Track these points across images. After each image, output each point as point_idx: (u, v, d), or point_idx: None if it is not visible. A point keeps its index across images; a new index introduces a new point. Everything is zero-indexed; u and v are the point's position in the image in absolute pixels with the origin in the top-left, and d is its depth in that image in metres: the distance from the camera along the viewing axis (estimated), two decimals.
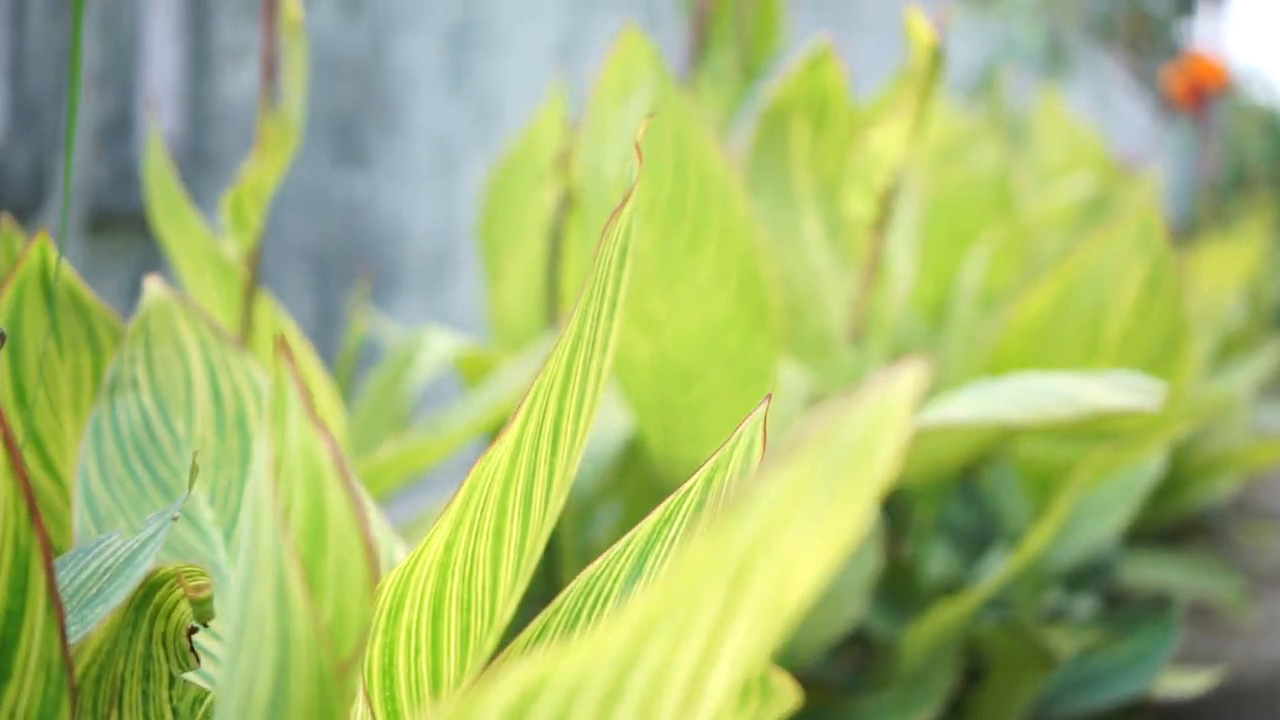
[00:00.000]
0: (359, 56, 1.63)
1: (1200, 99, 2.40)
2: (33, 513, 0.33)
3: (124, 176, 1.27)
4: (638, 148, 0.42)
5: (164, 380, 0.55)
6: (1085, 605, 1.21)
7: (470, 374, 0.86)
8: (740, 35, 1.01)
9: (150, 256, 1.23)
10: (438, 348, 0.83)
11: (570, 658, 0.26)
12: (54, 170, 1.18)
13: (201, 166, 1.42)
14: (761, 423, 0.45)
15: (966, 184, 1.26)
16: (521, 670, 0.25)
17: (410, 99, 1.73)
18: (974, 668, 1.13)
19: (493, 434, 0.78)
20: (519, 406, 0.42)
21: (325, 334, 1.58)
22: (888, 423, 0.26)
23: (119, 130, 1.28)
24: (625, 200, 0.44)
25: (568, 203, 0.80)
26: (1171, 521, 1.69)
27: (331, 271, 1.63)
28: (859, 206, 0.81)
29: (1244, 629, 1.79)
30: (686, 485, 0.45)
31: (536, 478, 0.45)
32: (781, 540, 0.26)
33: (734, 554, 0.26)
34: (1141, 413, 0.96)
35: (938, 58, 0.78)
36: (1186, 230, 2.87)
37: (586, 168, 0.80)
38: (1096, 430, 0.98)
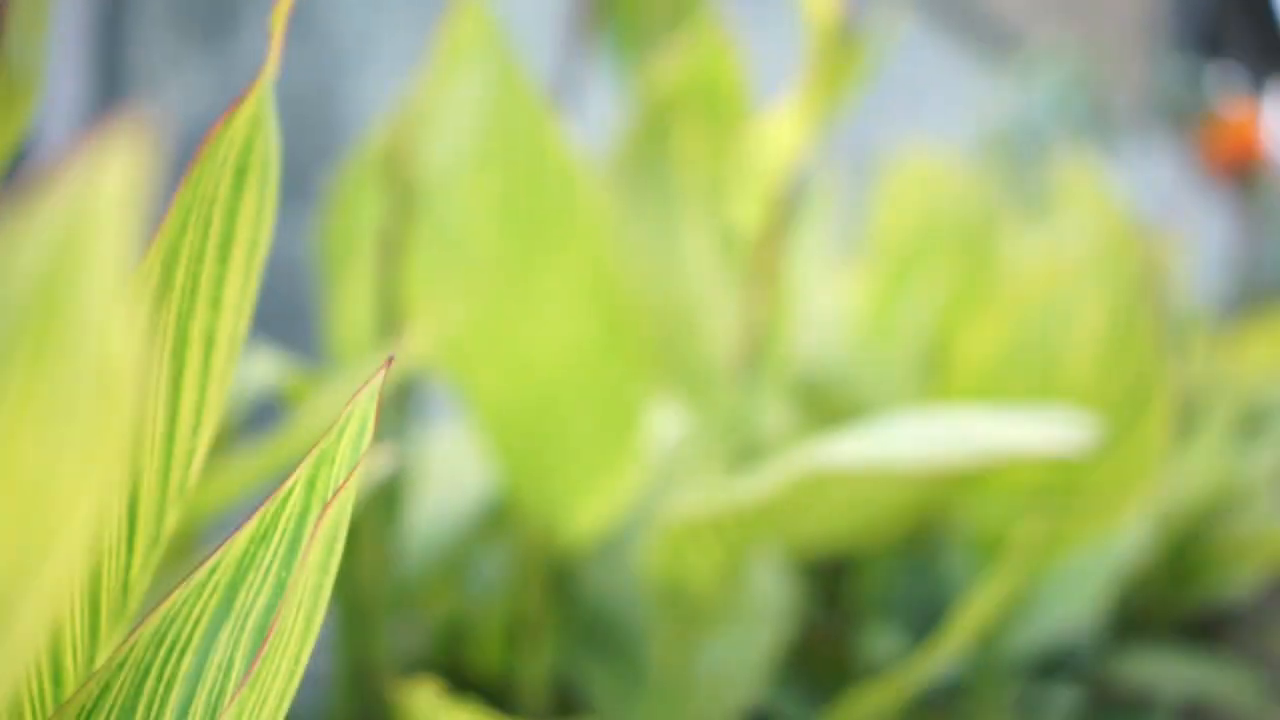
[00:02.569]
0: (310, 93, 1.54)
1: (1234, 167, 2.26)
2: None
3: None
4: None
5: None
6: (1061, 701, 1.06)
7: (297, 400, 0.75)
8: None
9: None
10: (257, 370, 0.72)
11: None
12: None
13: None
14: (375, 398, 0.32)
15: (933, 223, 1.13)
16: None
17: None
18: None
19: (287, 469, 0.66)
20: None
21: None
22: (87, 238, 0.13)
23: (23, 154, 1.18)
24: (249, 93, 0.32)
25: (403, 203, 0.69)
26: (1187, 614, 1.53)
27: (270, 324, 1.53)
28: (746, 212, 0.69)
29: None
30: (286, 486, 0.32)
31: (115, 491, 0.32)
32: None
33: None
34: (1089, 462, 0.82)
35: (839, 40, 0.66)
36: (1231, 309, 2.72)
37: (420, 158, 0.68)
38: (1056, 491, 0.84)
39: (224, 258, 0.34)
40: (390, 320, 0.69)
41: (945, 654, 0.77)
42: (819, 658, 0.92)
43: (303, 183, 1.55)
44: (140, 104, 1.32)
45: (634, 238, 0.72)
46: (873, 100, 3.34)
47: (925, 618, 1.03)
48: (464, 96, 0.65)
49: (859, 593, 0.92)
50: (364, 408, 0.32)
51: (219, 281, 0.34)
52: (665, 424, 0.78)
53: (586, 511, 0.70)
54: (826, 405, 1.18)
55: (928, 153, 1.45)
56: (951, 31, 3.79)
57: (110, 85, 1.22)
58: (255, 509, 0.33)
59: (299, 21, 1.51)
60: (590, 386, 0.68)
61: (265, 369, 0.72)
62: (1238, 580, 1.50)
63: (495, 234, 0.66)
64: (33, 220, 0.15)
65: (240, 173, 0.34)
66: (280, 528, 0.32)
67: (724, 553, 0.65)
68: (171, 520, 0.36)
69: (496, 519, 0.80)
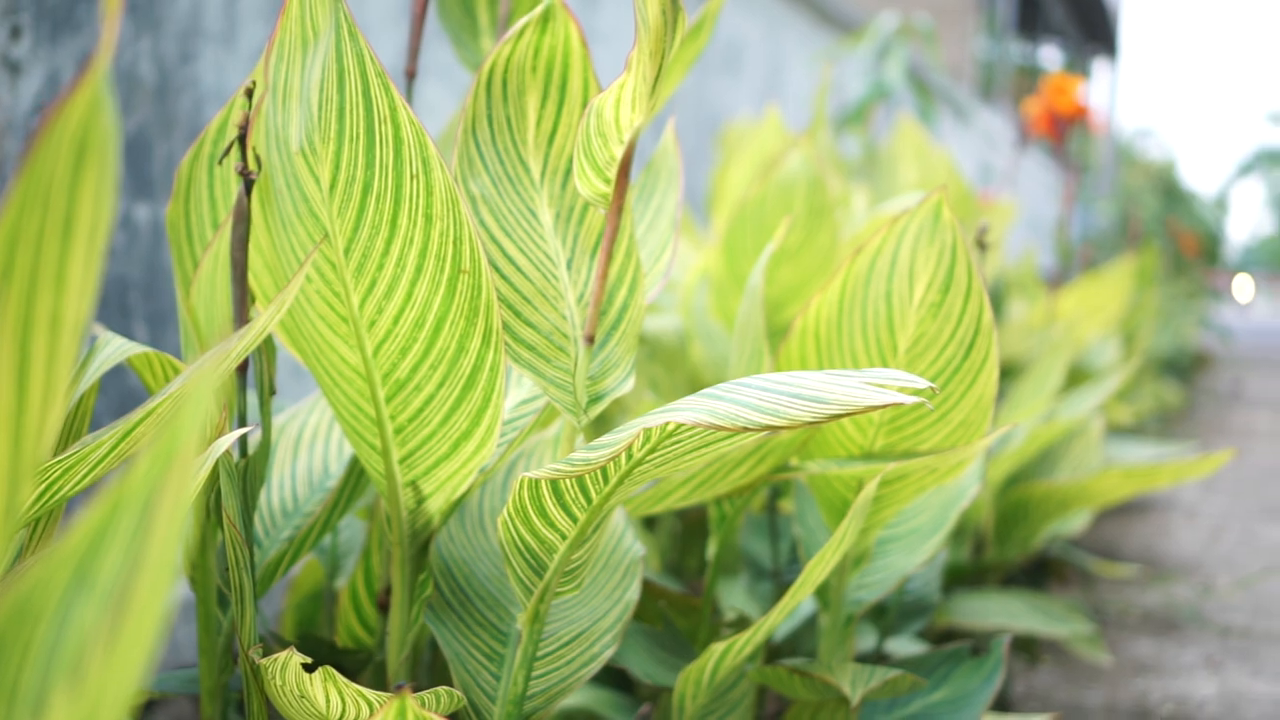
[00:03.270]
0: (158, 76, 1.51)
1: (1057, 124, 2.35)
2: None
3: None
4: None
5: None
6: (905, 646, 1.11)
7: (154, 383, 0.75)
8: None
9: None
10: (107, 353, 0.71)
11: None
12: None
13: None
14: (217, 376, 0.34)
15: (775, 192, 1.16)
16: None
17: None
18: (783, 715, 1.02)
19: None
20: None
21: (124, 371, 1.45)
22: None
23: None
24: (92, 62, 0.33)
25: (252, 180, 0.69)
26: (1022, 559, 1.61)
27: (125, 308, 1.50)
28: (589, 184, 0.70)
29: (1107, 674, 1.71)
30: (134, 463, 0.33)
31: None
32: None
33: None
34: (920, 417, 0.86)
35: (670, 8, 0.68)
36: (1059, 270, 2.83)
37: (269, 137, 0.69)
38: (894, 449, 0.88)
39: (66, 238, 0.35)
40: (243, 298, 0.70)
41: (795, 606, 0.81)
42: (676, 612, 0.95)
43: (156, 165, 1.52)
44: None
45: (482, 210, 0.73)
46: (736, 78, 3.38)
47: (786, 572, 1.07)
48: (310, 75, 0.65)
49: (715, 550, 0.95)
50: (206, 386, 0.33)
51: (62, 262, 0.35)
52: (519, 390, 0.80)
53: (444, 479, 0.72)
54: (674, 364, 1.21)
55: (771, 122, 1.49)
56: (807, 15, 3.86)
57: None
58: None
59: (151, 11, 1.48)
60: (444, 356, 0.69)
61: (112, 350, 0.72)
62: (1066, 525, 1.57)
63: (346, 208, 0.67)
64: None
65: (79, 153, 0.34)
66: (129, 502, 0.33)
67: (582, 511, 0.67)
68: (26, 493, 0.36)
69: (352, 490, 0.81)
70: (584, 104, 0.76)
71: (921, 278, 0.83)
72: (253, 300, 0.73)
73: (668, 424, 0.61)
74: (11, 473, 0.35)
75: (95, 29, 1.42)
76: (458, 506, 0.76)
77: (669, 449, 0.65)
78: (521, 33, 0.73)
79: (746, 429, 0.60)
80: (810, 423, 0.62)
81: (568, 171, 0.76)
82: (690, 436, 0.64)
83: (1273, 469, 3.60)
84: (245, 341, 0.62)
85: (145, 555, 0.31)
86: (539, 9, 0.73)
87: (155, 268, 1.53)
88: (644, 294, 0.76)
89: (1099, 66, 15.91)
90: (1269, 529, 2.75)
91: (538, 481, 0.66)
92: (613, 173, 0.70)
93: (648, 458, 0.65)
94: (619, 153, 0.70)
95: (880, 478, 0.81)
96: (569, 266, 0.75)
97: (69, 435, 0.74)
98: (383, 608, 0.81)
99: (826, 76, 1.92)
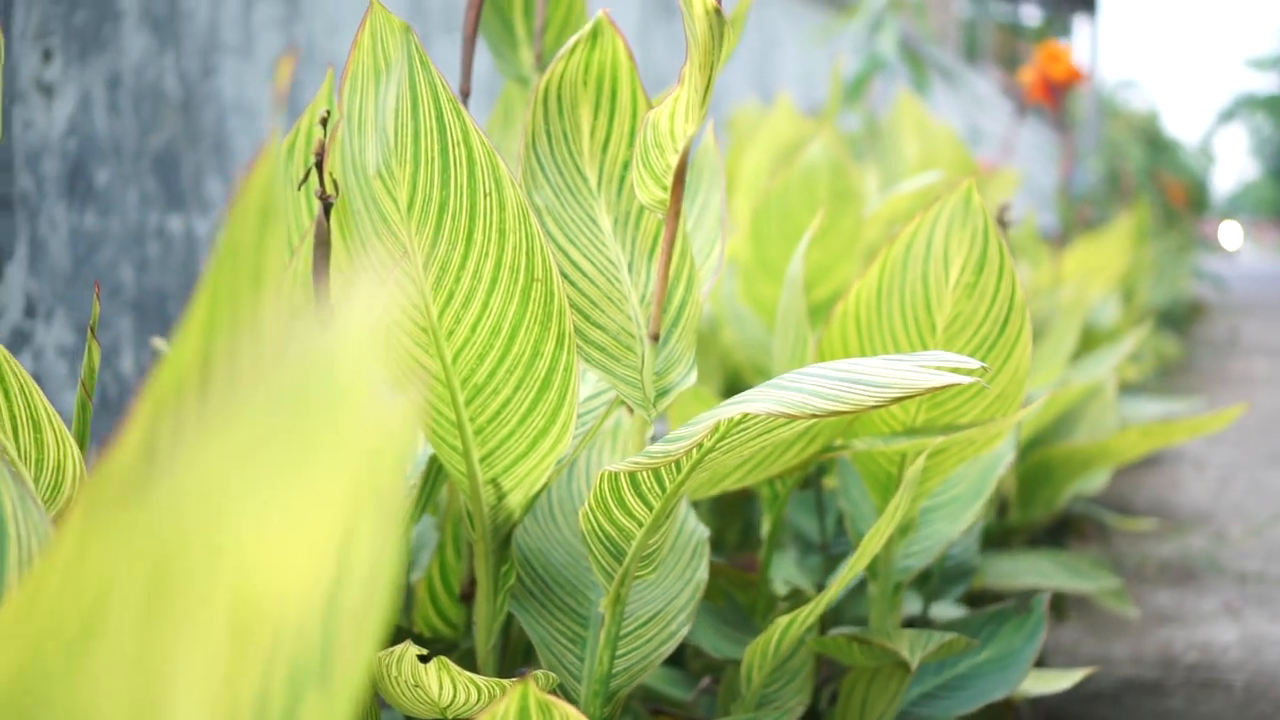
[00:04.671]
0: (180, 88, 1.55)
1: (1052, 91, 2.39)
2: None
3: None
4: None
5: None
6: (947, 610, 1.16)
7: None
8: (531, 25, 0.95)
9: None
10: None
11: None
12: None
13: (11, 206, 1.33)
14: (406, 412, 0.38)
15: (799, 179, 1.21)
16: None
17: (239, 132, 1.65)
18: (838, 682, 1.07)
19: None
20: (131, 419, 0.35)
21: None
22: (357, 348, 0.19)
23: None
24: (263, 147, 0.37)
25: (331, 204, 0.73)
26: (1045, 519, 1.66)
27: (164, 318, 1.54)
28: (648, 192, 0.75)
29: (1130, 626, 1.76)
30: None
31: None
32: (227, 522, 0.19)
33: (149, 543, 0.19)
34: (960, 391, 0.91)
35: (717, 23, 0.72)
36: (1060, 232, 2.87)
37: (345, 161, 0.73)
38: (935, 424, 0.93)
39: (257, 287, 0.39)
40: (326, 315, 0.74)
41: (846, 581, 0.85)
42: (735, 588, 1.00)
43: (185, 178, 1.56)
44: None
45: (547, 221, 0.78)
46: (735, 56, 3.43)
47: (832, 546, 1.12)
48: (385, 103, 0.70)
49: (767, 528, 1.00)
50: (406, 409, 0.37)
51: (255, 304, 0.39)
52: (584, 386, 0.85)
53: (523, 475, 0.76)
54: (706, 347, 1.26)
55: (783, 108, 1.53)
56: None
57: None
58: None
59: (173, 28, 1.52)
60: (520, 361, 0.73)
61: None
62: (1087, 484, 1.62)
63: (424, 227, 0.71)
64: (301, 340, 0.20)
65: (264, 212, 0.39)
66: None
67: (657, 500, 0.71)
68: None
69: (431, 490, 0.85)
70: (633, 113, 0.80)
71: (956, 260, 0.88)
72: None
73: (734, 415, 0.66)
74: None
75: (120, 47, 1.46)
76: (536, 500, 0.80)
77: (735, 436, 0.69)
78: (573, 49, 0.77)
79: (815, 415, 0.65)
80: (872, 406, 0.66)
81: (621, 179, 0.80)
82: (755, 423, 0.68)
83: (1275, 416, 3.65)
84: None
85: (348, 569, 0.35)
86: (588, 27, 0.77)
87: (191, 277, 1.57)
88: (700, 290, 0.80)
89: (1079, 22, 15.94)
90: (1276, 476, 2.80)
91: (617, 474, 0.70)
92: (669, 180, 0.74)
93: (717, 445, 0.69)
94: (674, 161, 0.74)
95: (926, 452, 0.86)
96: (630, 269, 0.79)
97: None
98: (465, 599, 0.85)
99: (839, 60, 1.95)
